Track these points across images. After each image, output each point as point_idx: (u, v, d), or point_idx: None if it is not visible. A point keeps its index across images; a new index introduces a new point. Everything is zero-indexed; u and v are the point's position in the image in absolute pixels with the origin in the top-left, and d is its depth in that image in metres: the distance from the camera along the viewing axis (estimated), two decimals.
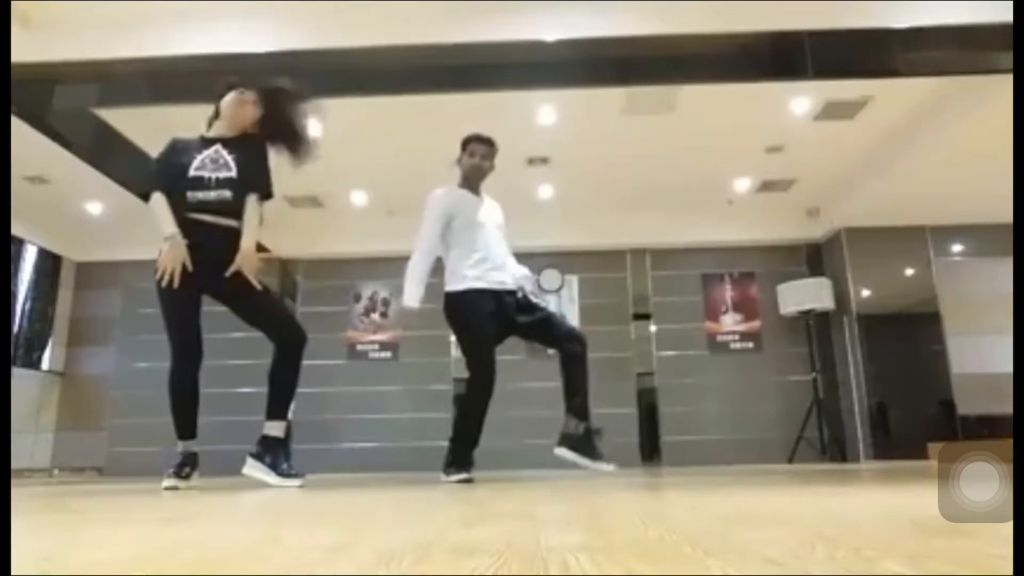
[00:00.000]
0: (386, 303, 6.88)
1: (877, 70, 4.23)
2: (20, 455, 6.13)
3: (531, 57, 4.03)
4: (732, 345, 6.75)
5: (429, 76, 4.19)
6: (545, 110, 4.95)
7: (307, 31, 3.97)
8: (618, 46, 3.99)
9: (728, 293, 6.86)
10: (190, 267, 2.62)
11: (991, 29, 3.76)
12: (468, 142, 3.25)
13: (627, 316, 6.84)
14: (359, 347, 6.83)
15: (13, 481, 4.70)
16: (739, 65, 4.16)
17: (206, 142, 2.81)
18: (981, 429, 5.91)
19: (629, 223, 6.75)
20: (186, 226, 2.64)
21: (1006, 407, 5.60)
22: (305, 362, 7.16)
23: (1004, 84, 4.11)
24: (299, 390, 7.78)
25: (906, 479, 2.42)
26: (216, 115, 2.89)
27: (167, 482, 2.66)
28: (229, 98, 2.84)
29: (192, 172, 2.69)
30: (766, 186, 6.32)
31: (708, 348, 6.76)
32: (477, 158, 3.21)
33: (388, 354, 6.79)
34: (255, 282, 2.73)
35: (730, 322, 6.80)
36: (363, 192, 6.30)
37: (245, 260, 2.68)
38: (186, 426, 2.77)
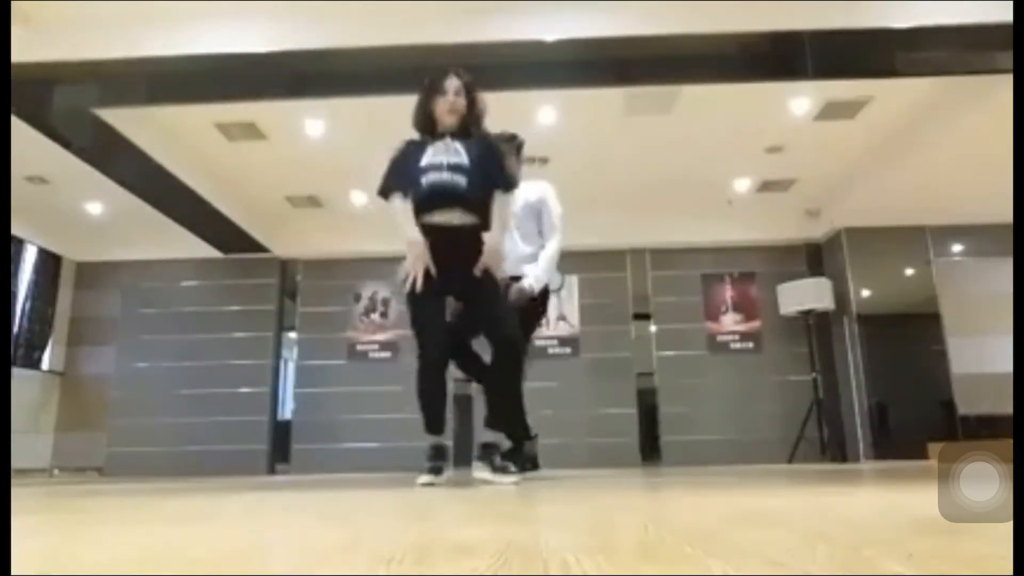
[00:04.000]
0: (386, 303, 6.88)
1: (877, 70, 4.23)
2: (20, 455, 6.14)
3: (531, 57, 4.03)
4: (732, 345, 6.75)
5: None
6: (545, 110, 4.95)
7: (306, 31, 3.97)
8: (618, 46, 3.99)
9: (728, 293, 6.86)
10: (434, 271, 2.56)
11: (991, 29, 3.76)
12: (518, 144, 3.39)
13: (627, 316, 6.84)
14: (359, 347, 6.82)
15: (13, 481, 4.70)
16: (739, 65, 4.16)
17: (436, 137, 2.73)
18: (981, 429, 5.91)
19: (629, 223, 6.75)
20: (426, 230, 2.59)
21: (1006, 407, 5.60)
22: (305, 362, 7.18)
23: (1004, 84, 4.12)
24: (299, 390, 7.73)
25: (906, 479, 2.41)
26: (425, 117, 2.76)
27: (423, 479, 2.56)
28: (438, 101, 2.73)
29: (424, 161, 2.64)
30: (766, 186, 6.32)
31: (708, 348, 6.76)
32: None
33: (388, 354, 6.79)
34: (498, 278, 2.67)
35: (730, 322, 6.80)
36: (363, 192, 6.31)
37: (492, 257, 2.61)
38: (437, 422, 2.67)
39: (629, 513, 1.19)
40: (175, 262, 6.98)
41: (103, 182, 5.32)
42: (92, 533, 1.01)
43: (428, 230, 2.60)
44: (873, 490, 1.87)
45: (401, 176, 2.68)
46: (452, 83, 2.71)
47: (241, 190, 6.14)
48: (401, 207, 2.64)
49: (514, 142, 3.33)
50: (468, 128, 2.72)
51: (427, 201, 2.61)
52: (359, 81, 4.28)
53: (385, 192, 2.69)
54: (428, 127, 2.74)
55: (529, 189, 3.36)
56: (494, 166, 2.72)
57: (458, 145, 2.67)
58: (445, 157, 2.64)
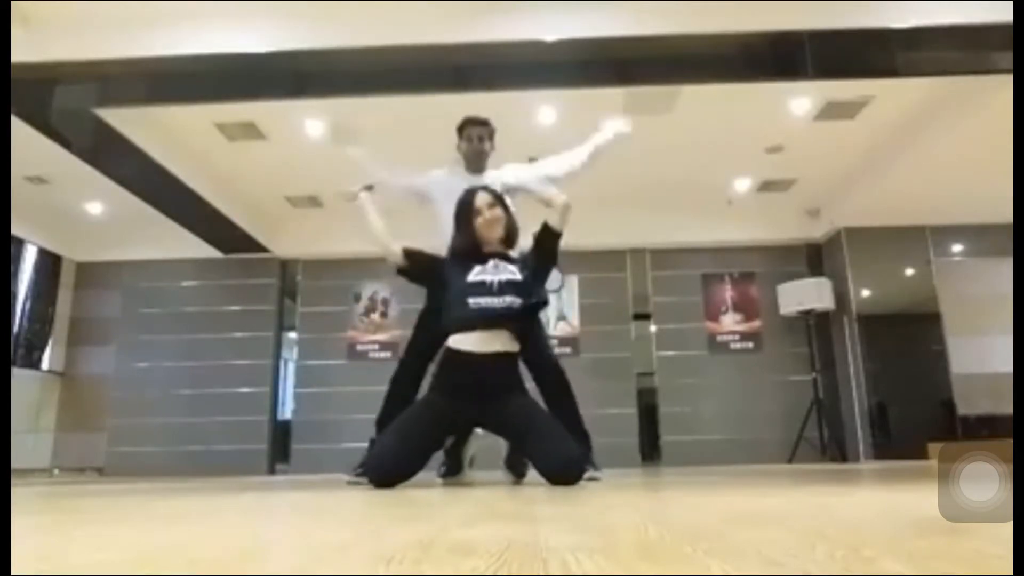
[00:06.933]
0: (386, 303, 6.88)
1: (877, 70, 4.23)
2: (20, 455, 6.13)
3: (531, 57, 4.03)
4: (732, 345, 6.75)
5: (429, 76, 4.19)
6: (545, 110, 4.94)
7: (307, 31, 3.97)
8: (618, 46, 3.99)
9: (728, 293, 6.86)
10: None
11: (991, 29, 3.76)
12: (463, 127, 3.10)
13: (627, 316, 6.84)
14: (359, 347, 6.82)
15: (13, 481, 4.69)
16: (739, 65, 4.16)
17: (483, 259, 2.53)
18: (981, 429, 5.92)
19: (629, 223, 6.75)
20: (459, 356, 2.36)
21: (1006, 407, 5.60)
22: (305, 362, 7.16)
23: (1004, 84, 4.11)
24: (299, 390, 7.69)
25: (906, 479, 2.42)
26: (471, 245, 2.57)
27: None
28: (478, 223, 2.54)
29: (471, 278, 2.41)
30: (766, 186, 6.32)
31: (708, 348, 6.76)
32: (475, 141, 3.06)
33: (388, 354, 6.79)
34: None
35: (730, 322, 6.80)
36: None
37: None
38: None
39: (629, 513, 1.19)
40: (175, 262, 6.98)
41: (103, 182, 5.32)
42: (92, 533, 1.01)
43: (461, 356, 2.34)
44: (873, 490, 1.87)
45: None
46: (482, 198, 2.55)
47: (241, 190, 6.14)
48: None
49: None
50: (511, 245, 2.57)
51: (470, 324, 2.33)
52: (359, 81, 4.28)
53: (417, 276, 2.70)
54: (474, 252, 2.52)
55: (500, 176, 3.03)
56: (538, 285, 2.51)
57: (507, 264, 2.47)
58: (495, 275, 2.38)
